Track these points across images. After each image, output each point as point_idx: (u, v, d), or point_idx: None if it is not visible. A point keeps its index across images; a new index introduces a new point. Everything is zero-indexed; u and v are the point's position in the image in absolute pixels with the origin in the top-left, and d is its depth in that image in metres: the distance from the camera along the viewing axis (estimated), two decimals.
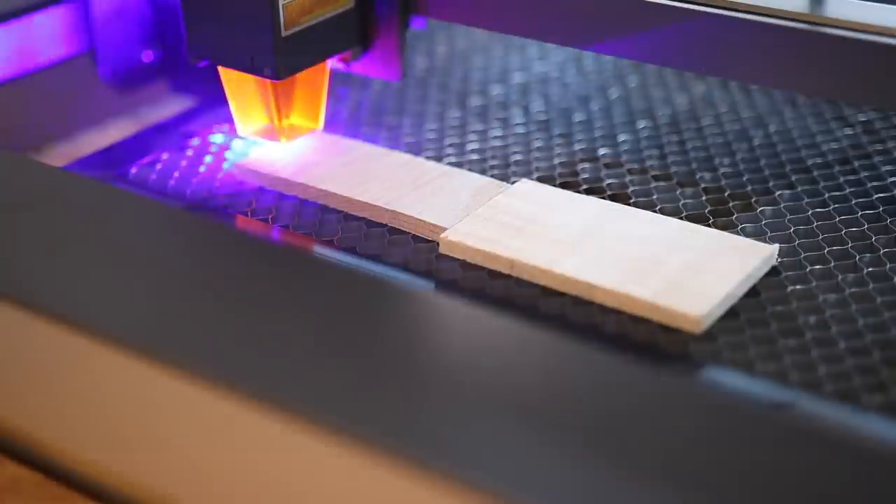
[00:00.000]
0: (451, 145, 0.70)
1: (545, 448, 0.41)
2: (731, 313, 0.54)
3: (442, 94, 0.77)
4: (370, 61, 0.68)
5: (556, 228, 0.59)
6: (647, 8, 0.61)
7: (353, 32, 0.66)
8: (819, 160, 0.67)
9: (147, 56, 0.82)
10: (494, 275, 0.58)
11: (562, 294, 0.56)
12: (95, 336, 0.47)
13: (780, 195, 0.63)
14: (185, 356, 0.46)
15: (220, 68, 0.65)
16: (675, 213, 0.62)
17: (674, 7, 0.60)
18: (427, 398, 0.44)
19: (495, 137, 0.71)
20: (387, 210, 0.62)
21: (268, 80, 0.64)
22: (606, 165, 0.67)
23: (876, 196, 0.63)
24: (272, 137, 0.67)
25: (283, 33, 0.62)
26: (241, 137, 0.69)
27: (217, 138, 0.72)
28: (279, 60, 0.62)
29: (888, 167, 0.65)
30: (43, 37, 0.77)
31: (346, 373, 0.45)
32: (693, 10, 0.60)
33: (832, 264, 0.57)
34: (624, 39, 0.62)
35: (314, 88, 0.67)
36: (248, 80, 0.65)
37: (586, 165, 0.68)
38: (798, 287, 0.56)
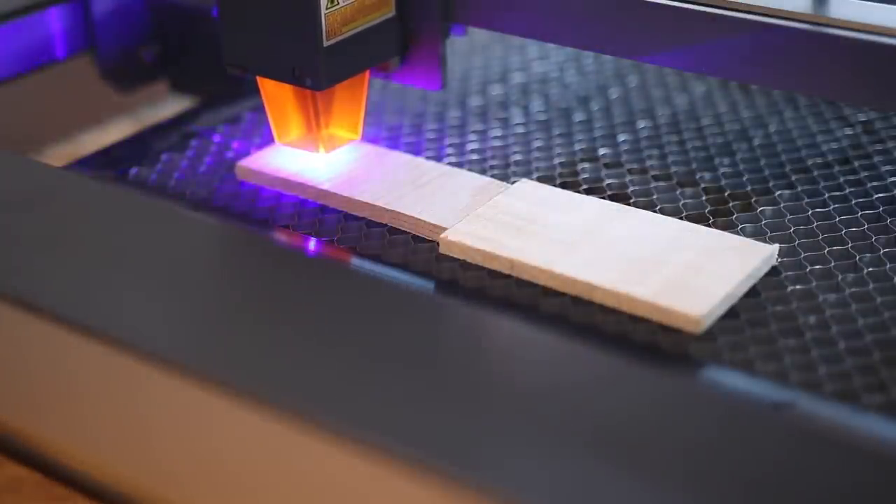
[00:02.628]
0: (451, 145, 0.70)
1: (544, 448, 0.41)
2: (731, 313, 0.54)
3: (442, 94, 0.77)
4: (411, 71, 0.67)
5: (555, 228, 0.59)
6: (648, 9, 0.61)
7: (395, 42, 0.66)
8: (819, 160, 0.67)
9: (147, 55, 0.82)
10: (494, 275, 0.58)
11: (562, 294, 0.56)
12: (95, 336, 0.47)
13: (780, 195, 0.63)
14: (185, 356, 0.46)
15: (258, 78, 0.64)
16: (675, 213, 0.62)
17: (674, 7, 0.60)
18: (425, 398, 0.44)
19: (495, 137, 0.71)
20: (387, 210, 0.62)
21: (308, 91, 0.63)
22: (606, 165, 0.67)
23: (876, 196, 0.63)
24: (311, 148, 0.66)
25: (325, 43, 0.61)
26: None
27: (217, 138, 0.72)
28: (321, 70, 0.61)
29: (888, 167, 0.65)
30: (43, 36, 0.77)
31: (344, 373, 0.45)
32: (693, 11, 0.60)
33: (832, 264, 0.57)
34: (633, 42, 0.62)
35: (354, 98, 0.66)
36: (287, 89, 0.64)
37: (586, 165, 0.68)
38: (798, 287, 0.56)
